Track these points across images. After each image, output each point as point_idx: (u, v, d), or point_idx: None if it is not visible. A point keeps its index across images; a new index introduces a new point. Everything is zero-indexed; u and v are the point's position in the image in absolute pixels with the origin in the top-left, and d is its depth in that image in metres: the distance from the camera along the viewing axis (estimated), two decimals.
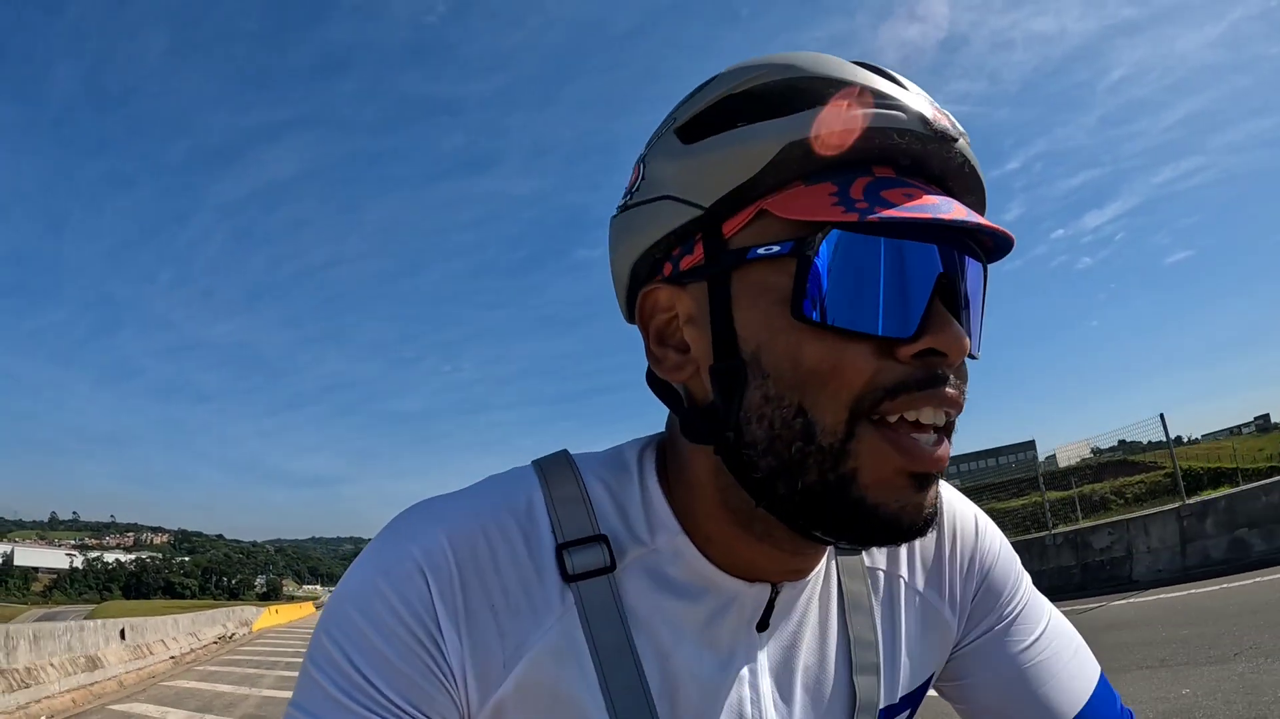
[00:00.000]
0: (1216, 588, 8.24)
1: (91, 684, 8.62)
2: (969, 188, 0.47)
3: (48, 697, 7.08)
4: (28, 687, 6.59)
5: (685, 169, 0.46)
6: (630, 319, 0.53)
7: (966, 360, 0.46)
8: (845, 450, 0.42)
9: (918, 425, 0.43)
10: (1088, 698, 0.60)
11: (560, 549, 0.49)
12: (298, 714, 0.46)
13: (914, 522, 0.44)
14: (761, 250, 0.44)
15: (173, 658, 13.28)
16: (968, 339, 0.43)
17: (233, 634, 20.24)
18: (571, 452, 0.54)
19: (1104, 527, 12.34)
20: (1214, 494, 13.04)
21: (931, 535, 0.59)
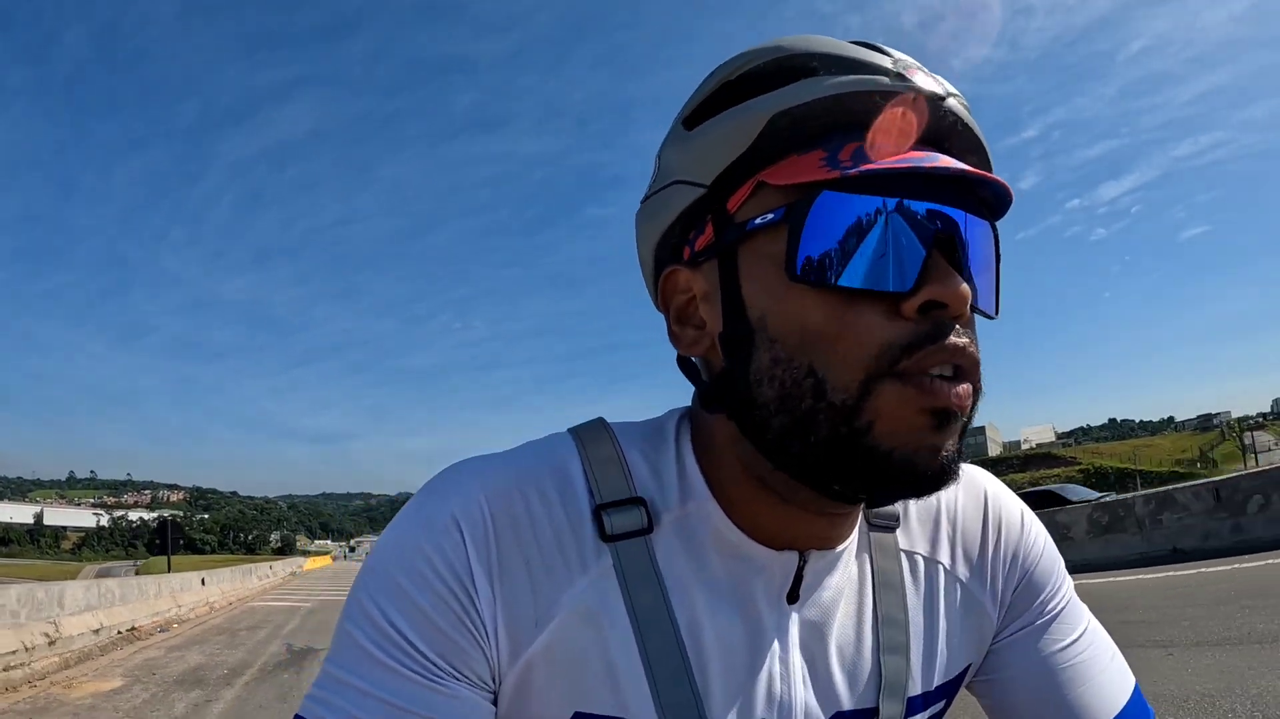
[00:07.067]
0: None
1: (270, 582, 26.36)
2: (968, 147, 0.47)
3: (269, 582, 26.37)
4: (262, 580, 25.51)
5: (688, 152, 0.49)
6: (658, 306, 0.54)
7: (980, 320, 0.47)
8: (860, 407, 0.42)
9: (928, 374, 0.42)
10: (1122, 707, 0.56)
11: (599, 510, 0.48)
12: (331, 669, 0.46)
13: (930, 466, 0.42)
14: (759, 220, 0.45)
15: (282, 580, 31.04)
16: (969, 290, 0.42)
17: (294, 572, 39.73)
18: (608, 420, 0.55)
19: None
20: None
21: (976, 527, 0.58)
